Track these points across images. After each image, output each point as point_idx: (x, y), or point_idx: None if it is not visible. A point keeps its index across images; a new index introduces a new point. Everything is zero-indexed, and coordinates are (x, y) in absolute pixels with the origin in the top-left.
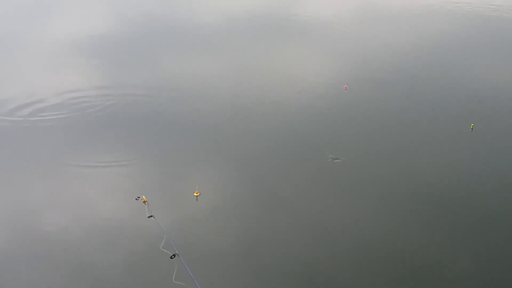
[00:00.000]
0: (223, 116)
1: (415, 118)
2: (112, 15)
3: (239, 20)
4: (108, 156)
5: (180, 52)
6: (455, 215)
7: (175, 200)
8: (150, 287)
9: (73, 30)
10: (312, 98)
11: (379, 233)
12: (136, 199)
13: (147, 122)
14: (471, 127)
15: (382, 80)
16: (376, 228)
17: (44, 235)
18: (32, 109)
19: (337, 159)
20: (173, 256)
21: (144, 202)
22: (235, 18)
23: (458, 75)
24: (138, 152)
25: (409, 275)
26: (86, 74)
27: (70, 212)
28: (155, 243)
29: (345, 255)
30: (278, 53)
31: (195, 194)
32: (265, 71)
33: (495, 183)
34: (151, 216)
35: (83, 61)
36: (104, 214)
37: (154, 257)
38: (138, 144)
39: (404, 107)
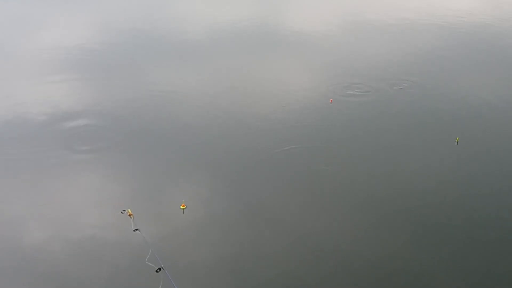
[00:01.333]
0: (209, 130)
1: (401, 132)
2: (94, 29)
3: (225, 34)
4: (95, 169)
5: (164, 66)
6: (439, 227)
7: (161, 213)
8: None
9: (63, 44)
10: (298, 111)
11: (366, 246)
12: (121, 212)
13: (133, 136)
14: (457, 140)
15: (368, 94)
16: (363, 240)
17: (28, 248)
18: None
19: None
20: (158, 270)
21: (129, 215)
22: (221, 33)
23: (443, 89)
24: (124, 165)
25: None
26: (70, 89)
27: (54, 225)
28: (140, 257)
29: (330, 268)
30: (265, 66)
31: (181, 207)
32: (251, 85)
33: (479, 193)
34: (136, 229)
35: (66, 75)
36: (89, 228)
37: (139, 271)
38: (124, 158)
39: (390, 120)
